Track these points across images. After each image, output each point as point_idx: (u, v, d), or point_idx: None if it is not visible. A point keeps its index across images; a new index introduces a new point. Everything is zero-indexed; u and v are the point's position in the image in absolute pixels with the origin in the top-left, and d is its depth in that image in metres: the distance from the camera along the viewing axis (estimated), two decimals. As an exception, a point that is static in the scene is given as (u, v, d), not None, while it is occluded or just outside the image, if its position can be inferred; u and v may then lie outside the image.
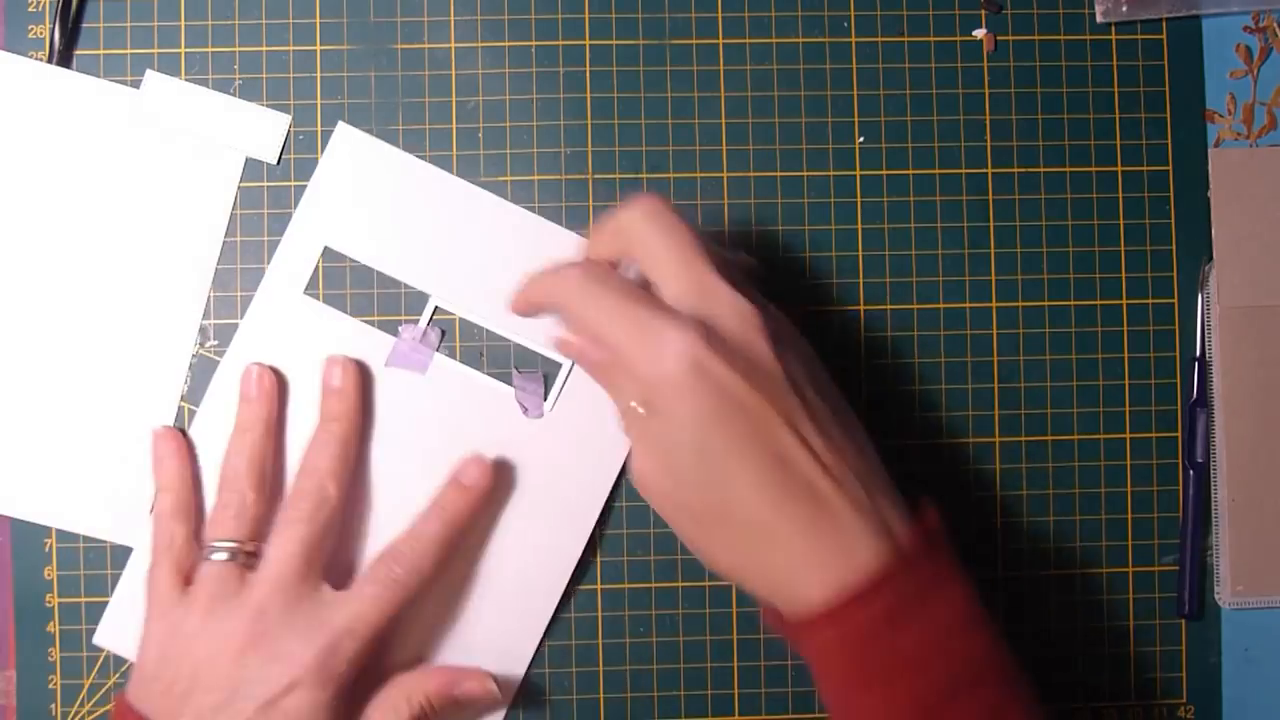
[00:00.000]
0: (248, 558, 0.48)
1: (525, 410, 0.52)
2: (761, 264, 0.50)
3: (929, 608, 0.41)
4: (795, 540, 0.41)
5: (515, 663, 0.52)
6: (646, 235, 0.43)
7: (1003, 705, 0.42)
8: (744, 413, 0.41)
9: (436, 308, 0.52)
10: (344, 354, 0.51)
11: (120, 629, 0.51)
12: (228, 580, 0.48)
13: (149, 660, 0.48)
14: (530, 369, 0.52)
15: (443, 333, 0.52)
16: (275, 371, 0.51)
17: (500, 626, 0.52)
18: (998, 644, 0.42)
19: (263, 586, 0.47)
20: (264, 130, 0.52)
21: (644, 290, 0.43)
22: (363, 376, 0.52)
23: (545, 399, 0.52)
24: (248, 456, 0.50)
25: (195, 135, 0.52)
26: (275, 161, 0.52)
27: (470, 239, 0.52)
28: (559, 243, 0.52)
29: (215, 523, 0.49)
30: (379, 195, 0.52)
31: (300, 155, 0.53)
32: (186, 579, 0.49)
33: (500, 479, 0.52)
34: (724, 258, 0.45)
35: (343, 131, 0.52)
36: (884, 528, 0.42)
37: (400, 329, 0.52)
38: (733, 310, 0.42)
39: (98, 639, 0.52)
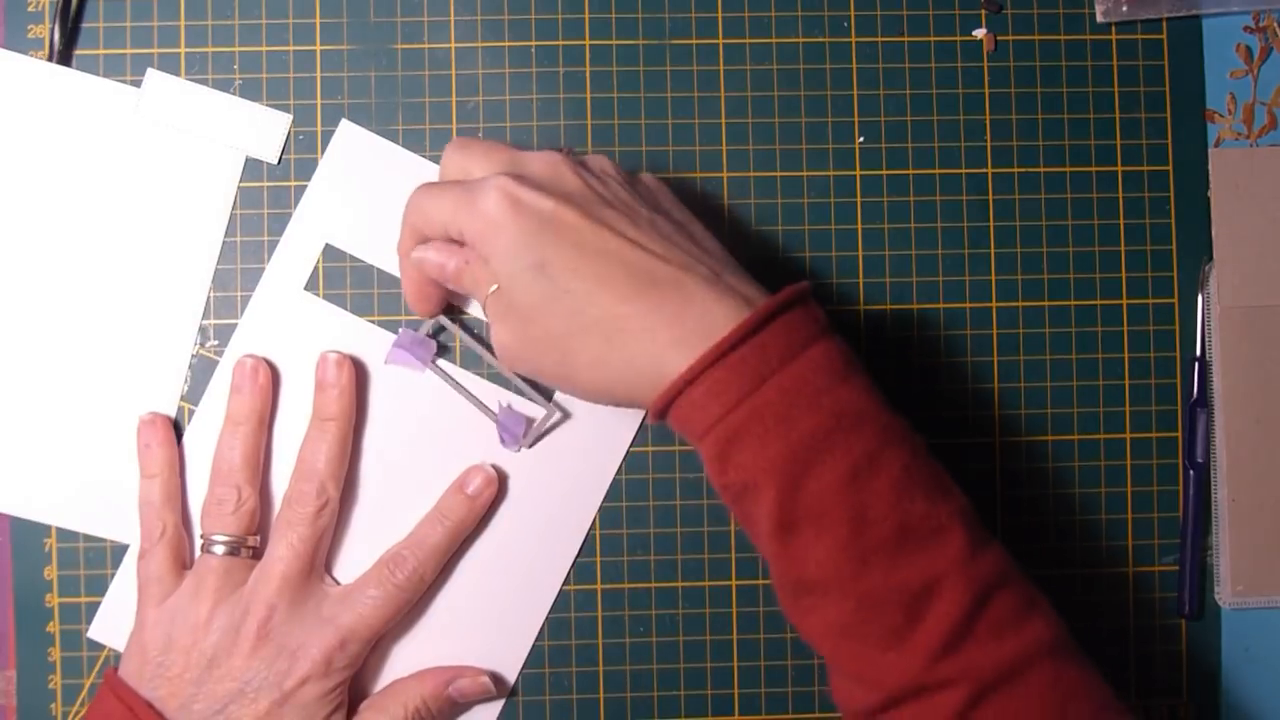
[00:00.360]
0: (248, 551, 0.50)
1: (504, 441, 0.52)
2: (758, 259, 0.50)
3: (795, 363, 0.41)
4: (649, 326, 0.42)
5: (509, 664, 0.52)
6: (460, 155, 0.47)
7: (878, 450, 0.41)
8: (563, 226, 0.43)
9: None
10: (339, 350, 0.51)
11: (117, 623, 0.51)
12: (234, 573, 0.49)
13: (153, 646, 0.48)
14: (513, 413, 0.52)
15: (442, 328, 0.52)
16: (269, 364, 0.51)
17: (493, 628, 0.52)
18: (871, 394, 0.43)
19: (272, 583, 0.48)
20: (264, 130, 0.52)
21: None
22: (358, 373, 0.52)
23: (525, 437, 0.52)
24: (241, 451, 0.50)
25: (195, 135, 0.52)
26: (276, 161, 0.52)
27: None
28: None
29: (212, 516, 0.50)
30: (381, 193, 0.52)
31: (300, 155, 0.53)
32: (182, 566, 0.50)
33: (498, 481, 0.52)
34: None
35: (345, 129, 0.52)
36: (737, 295, 0.43)
37: (400, 328, 0.52)
38: (540, 160, 0.46)
39: (93, 633, 0.52)
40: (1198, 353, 0.54)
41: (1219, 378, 0.54)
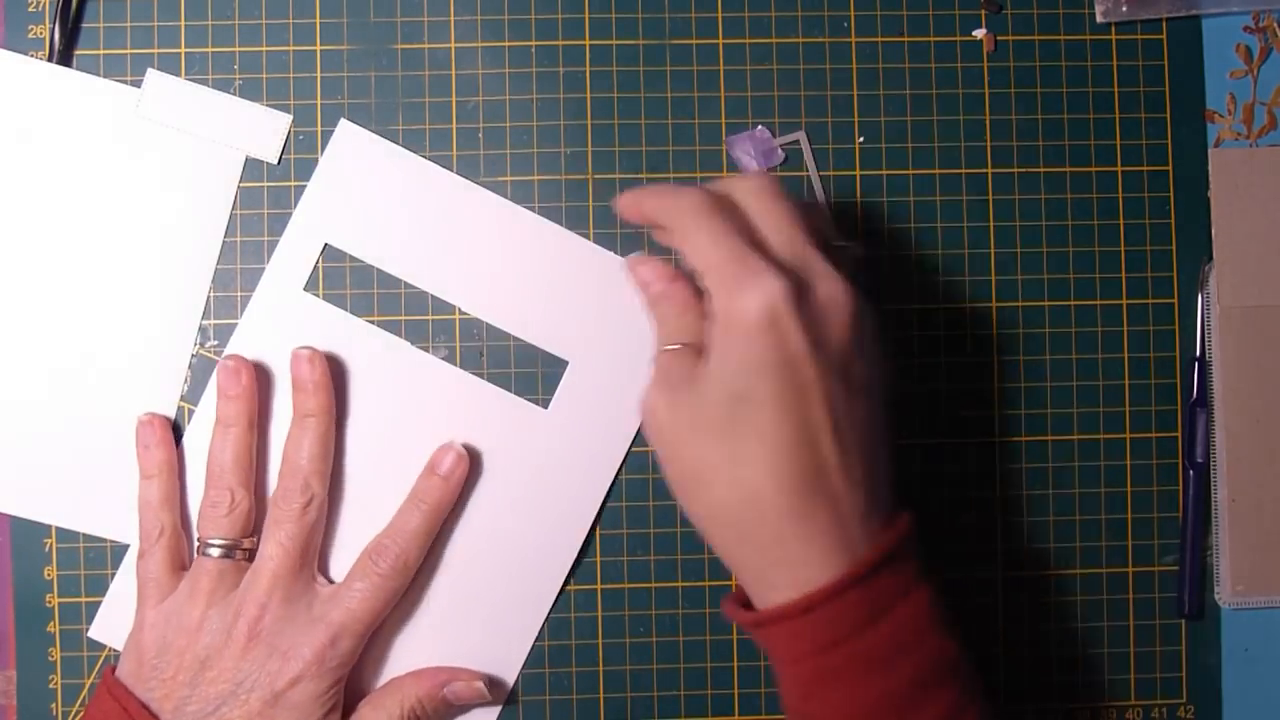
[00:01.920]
0: (244, 554, 0.50)
1: (754, 159, 0.52)
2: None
3: (898, 610, 0.42)
4: (787, 522, 0.42)
5: (508, 666, 0.52)
6: (755, 202, 0.44)
7: (963, 707, 0.42)
8: (795, 381, 0.41)
9: (433, 298, 0.52)
10: (310, 346, 0.51)
11: (117, 623, 0.51)
12: (228, 575, 0.49)
13: (148, 647, 0.49)
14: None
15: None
16: (254, 365, 0.51)
17: (493, 629, 0.52)
18: (960, 648, 0.43)
19: (262, 583, 0.48)
20: (265, 130, 0.52)
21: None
22: (350, 372, 0.52)
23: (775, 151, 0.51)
24: (232, 453, 0.50)
25: (196, 135, 0.52)
26: (276, 161, 0.52)
27: (472, 238, 0.52)
28: (561, 243, 0.52)
29: (207, 519, 0.50)
30: (381, 193, 0.52)
31: (300, 155, 0.53)
32: (180, 567, 0.50)
33: (496, 479, 0.52)
34: (830, 241, 0.45)
35: (345, 129, 0.52)
36: (870, 523, 0.43)
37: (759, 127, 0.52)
38: (827, 285, 0.43)
39: (94, 632, 0.52)
40: (1198, 353, 0.54)
41: (1219, 378, 0.54)
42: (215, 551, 0.49)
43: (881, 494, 0.44)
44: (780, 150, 0.53)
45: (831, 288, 0.43)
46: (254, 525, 0.50)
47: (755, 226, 0.43)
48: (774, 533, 0.42)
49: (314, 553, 0.50)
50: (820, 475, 0.42)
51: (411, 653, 0.52)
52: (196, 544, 0.50)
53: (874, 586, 0.42)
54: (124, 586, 0.51)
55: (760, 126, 0.52)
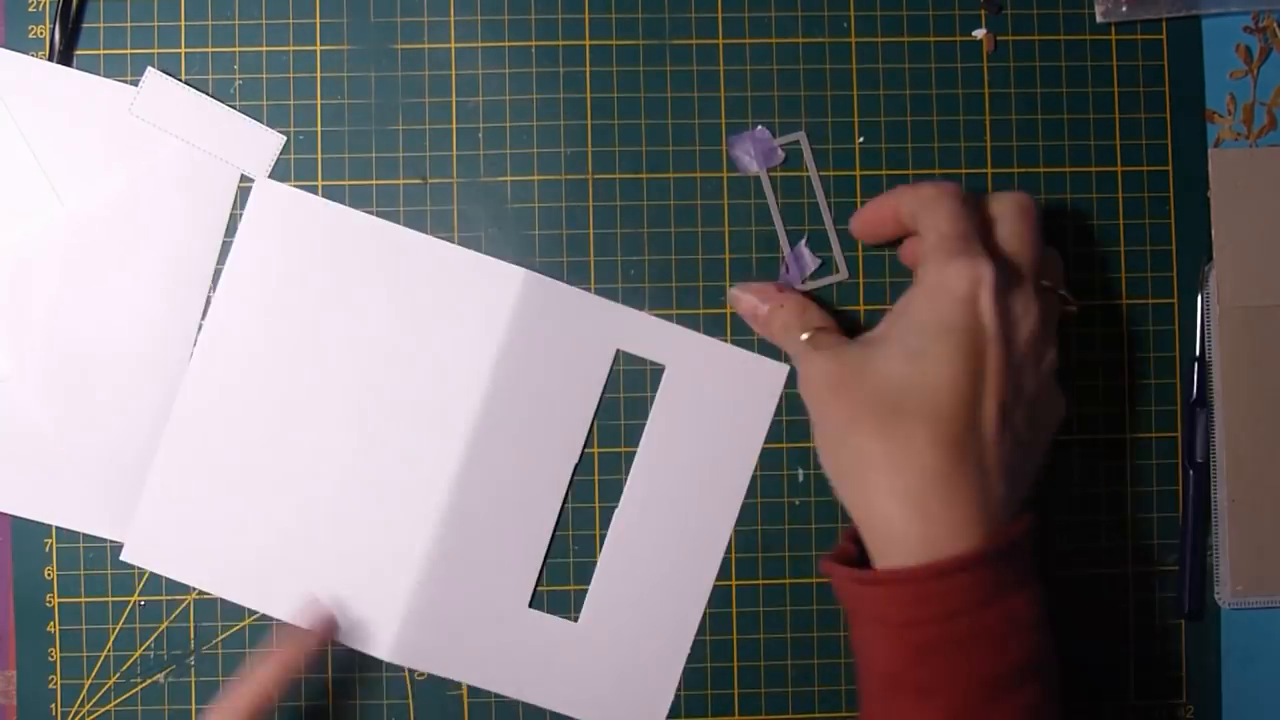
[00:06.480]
0: None
1: (788, 271, 0.53)
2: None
3: (1015, 596, 0.43)
4: (934, 479, 0.43)
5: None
6: (1011, 214, 0.47)
7: (1045, 705, 0.44)
8: (977, 351, 0.44)
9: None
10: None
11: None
12: None
13: None
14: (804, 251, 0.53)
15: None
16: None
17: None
18: (1053, 648, 0.45)
19: None
20: (256, 145, 0.52)
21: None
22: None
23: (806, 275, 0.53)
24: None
25: (183, 140, 0.52)
26: (265, 177, 0.52)
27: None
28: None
29: None
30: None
31: (300, 155, 0.53)
32: None
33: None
34: (1053, 285, 0.48)
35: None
36: (1004, 515, 0.44)
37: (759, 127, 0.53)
38: (1027, 299, 0.45)
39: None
40: (1197, 353, 0.54)
41: (1219, 378, 0.54)
42: None
43: (1020, 493, 0.45)
44: (780, 150, 0.53)
45: (1031, 304, 0.45)
46: None
47: (997, 232, 0.47)
48: (918, 488, 0.43)
49: None
50: (976, 444, 0.44)
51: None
52: None
53: (1001, 567, 0.43)
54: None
55: (760, 126, 0.53)
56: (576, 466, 0.53)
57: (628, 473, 0.52)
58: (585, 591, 0.52)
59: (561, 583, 0.53)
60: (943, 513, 0.43)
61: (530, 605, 0.52)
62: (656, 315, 0.53)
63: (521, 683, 0.52)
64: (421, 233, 0.52)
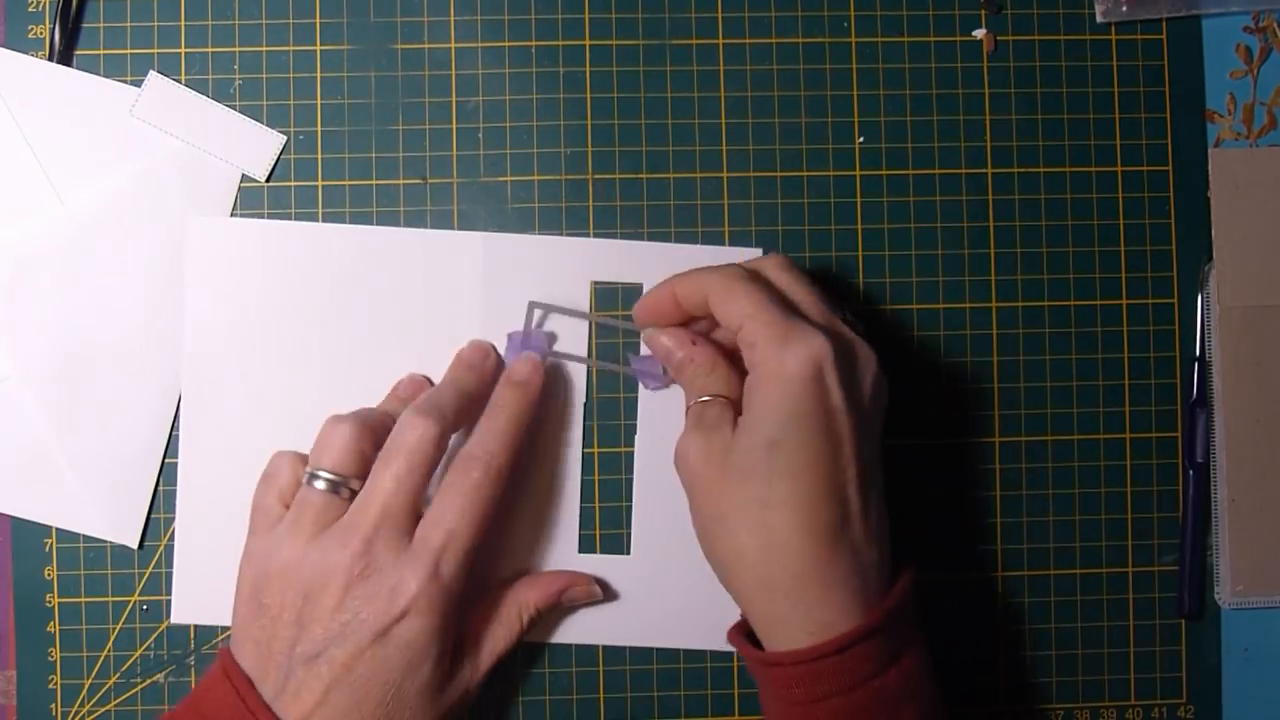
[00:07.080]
0: (349, 494, 0.47)
1: (647, 385, 0.52)
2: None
3: (908, 656, 0.45)
4: (810, 567, 0.44)
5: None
6: (783, 276, 0.47)
7: None
8: (831, 432, 0.44)
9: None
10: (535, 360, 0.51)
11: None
12: (330, 510, 0.47)
13: (247, 581, 0.47)
14: (645, 359, 0.51)
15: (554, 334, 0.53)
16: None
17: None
18: (941, 702, 0.47)
19: (370, 515, 0.46)
20: (257, 147, 0.52)
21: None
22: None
23: (666, 375, 0.51)
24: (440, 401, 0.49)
25: (185, 142, 0.52)
26: (265, 179, 0.52)
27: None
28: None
29: (323, 447, 0.48)
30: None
31: (300, 155, 0.53)
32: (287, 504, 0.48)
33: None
34: (840, 313, 0.48)
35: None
36: (882, 581, 0.45)
37: (509, 332, 0.52)
38: (859, 349, 0.46)
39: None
40: (1197, 353, 0.54)
41: (1219, 378, 0.54)
42: (321, 485, 0.47)
43: (888, 548, 0.46)
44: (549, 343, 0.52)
45: (863, 352, 0.46)
46: (366, 471, 0.47)
47: (786, 296, 0.47)
48: (795, 577, 0.44)
49: (421, 499, 0.47)
50: (845, 524, 0.44)
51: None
52: (305, 475, 0.48)
53: (890, 633, 0.44)
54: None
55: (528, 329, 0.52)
56: (586, 406, 0.53)
57: (637, 417, 0.53)
58: (626, 534, 0.53)
59: (606, 527, 0.53)
60: (823, 597, 0.44)
61: (580, 552, 0.53)
62: (623, 239, 0.53)
63: (586, 626, 0.53)
64: (369, 225, 0.52)
